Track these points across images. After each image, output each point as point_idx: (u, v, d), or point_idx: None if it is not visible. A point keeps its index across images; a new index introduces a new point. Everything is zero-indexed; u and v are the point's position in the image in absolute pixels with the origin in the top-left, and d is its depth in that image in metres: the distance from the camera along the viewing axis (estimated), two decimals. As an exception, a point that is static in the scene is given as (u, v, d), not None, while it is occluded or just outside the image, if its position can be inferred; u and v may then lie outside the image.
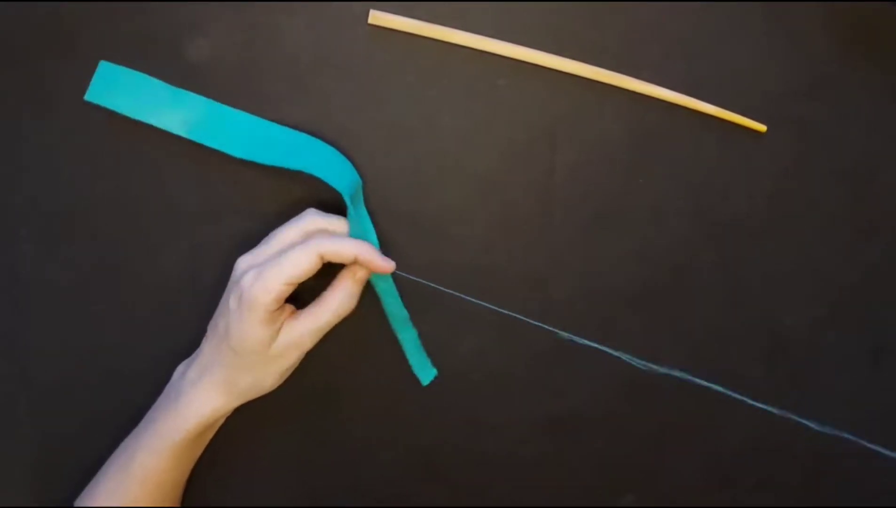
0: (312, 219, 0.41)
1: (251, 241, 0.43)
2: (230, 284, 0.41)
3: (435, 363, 0.46)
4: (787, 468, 0.48)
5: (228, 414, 0.43)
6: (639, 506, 0.48)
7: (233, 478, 0.47)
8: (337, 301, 0.40)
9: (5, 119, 0.44)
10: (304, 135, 0.43)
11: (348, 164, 0.43)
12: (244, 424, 0.46)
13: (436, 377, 0.46)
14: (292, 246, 0.39)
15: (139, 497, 0.41)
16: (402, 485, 0.48)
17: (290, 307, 0.41)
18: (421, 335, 0.46)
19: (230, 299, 0.39)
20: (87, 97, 0.43)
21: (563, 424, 0.47)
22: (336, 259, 0.39)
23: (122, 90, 0.43)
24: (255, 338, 0.39)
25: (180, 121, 0.43)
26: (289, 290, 0.38)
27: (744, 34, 0.45)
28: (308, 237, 0.40)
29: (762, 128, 0.45)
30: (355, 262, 0.39)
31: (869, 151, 0.47)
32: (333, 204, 0.43)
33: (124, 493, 0.41)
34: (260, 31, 0.44)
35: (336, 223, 0.41)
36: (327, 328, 0.41)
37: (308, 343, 0.40)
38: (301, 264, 0.38)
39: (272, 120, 0.44)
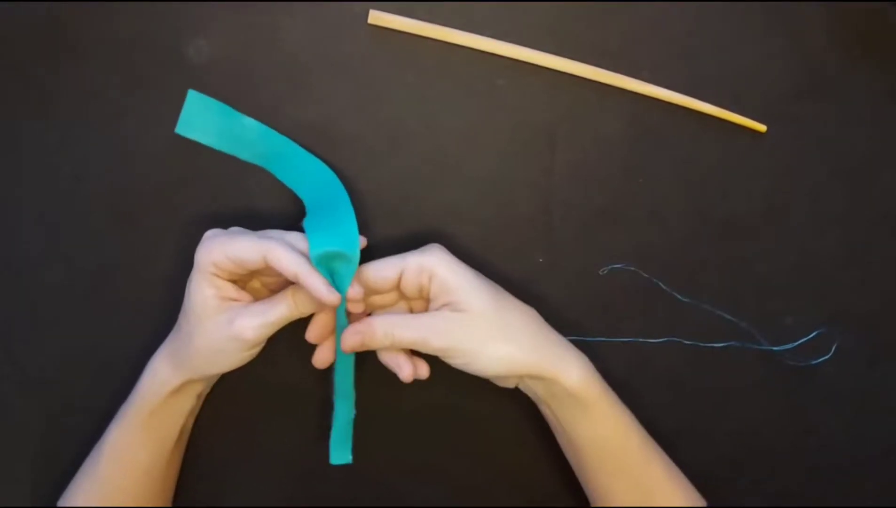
0: (274, 243, 0.38)
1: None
2: None
3: (435, 364, 0.46)
4: (787, 468, 0.48)
5: (181, 390, 0.41)
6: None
7: (230, 478, 0.47)
8: (284, 304, 0.39)
9: (5, 119, 0.44)
10: (342, 190, 0.43)
11: (354, 233, 0.41)
12: (242, 424, 0.46)
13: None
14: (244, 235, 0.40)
15: (110, 476, 0.42)
16: (400, 485, 0.48)
17: (245, 294, 0.40)
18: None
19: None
20: (177, 130, 0.43)
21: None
22: (277, 268, 0.38)
23: (208, 121, 0.43)
24: (195, 297, 0.39)
25: (258, 155, 0.44)
26: (231, 266, 0.38)
27: (744, 34, 0.45)
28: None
29: (762, 128, 0.45)
30: (297, 280, 0.38)
31: (869, 151, 0.47)
32: (333, 204, 0.43)
33: (96, 471, 0.42)
34: (260, 31, 0.44)
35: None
36: (272, 327, 0.39)
37: (251, 335, 0.38)
38: (245, 250, 0.38)
39: (274, 121, 0.44)
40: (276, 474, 0.47)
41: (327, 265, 0.39)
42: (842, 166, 0.47)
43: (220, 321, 0.39)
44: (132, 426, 0.42)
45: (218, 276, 0.39)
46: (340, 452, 0.43)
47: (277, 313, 0.39)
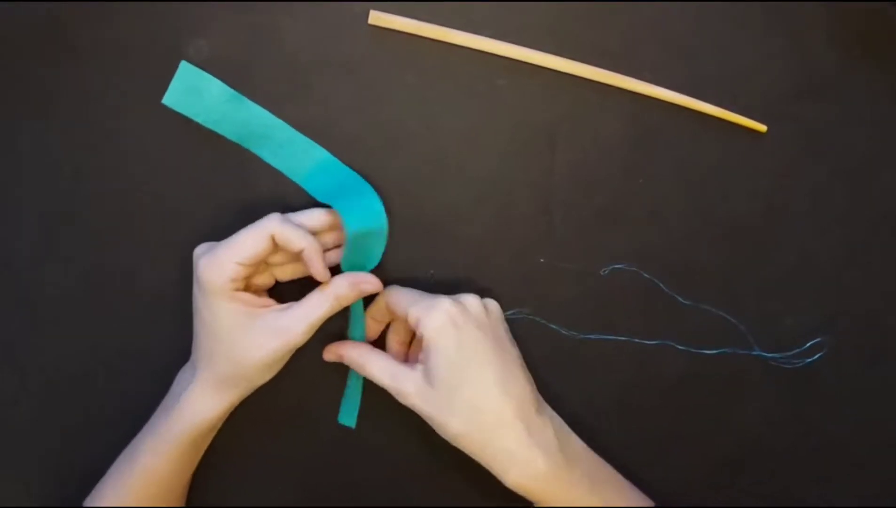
0: (272, 218, 0.40)
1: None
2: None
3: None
4: (787, 468, 0.48)
5: (226, 413, 0.42)
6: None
7: (233, 479, 0.47)
8: (326, 302, 0.40)
9: (5, 119, 0.44)
10: (347, 170, 0.44)
11: (380, 206, 0.43)
12: (243, 423, 0.46)
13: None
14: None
15: (142, 496, 0.41)
16: (400, 485, 0.48)
17: (269, 299, 0.41)
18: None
19: (194, 287, 0.40)
20: (164, 101, 0.43)
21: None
22: (285, 245, 0.39)
23: (196, 93, 0.43)
24: (221, 319, 0.39)
25: (246, 134, 0.43)
26: (243, 270, 0.39)
27: (744, 34, 0.45)
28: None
29: (762, 128, 0.45)
30: (302, 256, 0.39)
31: (869, 151, 0.47)
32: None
33: (128, 492, 0.41)
34: (260, 31, 0.44)
35: (300, 217, 0.42)
36: (317, 327, 0.40)
37: (301, 339, 0.40)
38: (251, 243, 0.39)
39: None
40: (276, 475, 0.47)
41: (361, 243, 0.42)
42: (842, 166, 0.47)
43: (263, 334, 0.39)
44: (168, 453, 0.41)
45: (238, 289, 0.39)
46: (349, 415, 0.46)
47: (323, 311, 0.40)
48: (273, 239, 0.39)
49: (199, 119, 0.43)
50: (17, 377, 0.46)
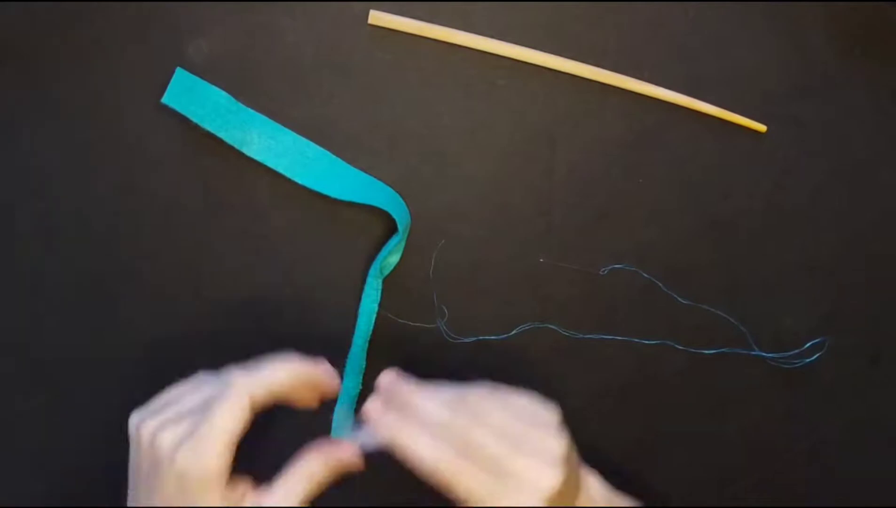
0: (237, 383, 0.32)
1: (251, 241, 0.44)
2: (140, 456, 0.32)
3: (435, 363, 0.46)
4: (787, 468, 0.48)
5: None
6: (637, 506, 0.48)
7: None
8: (304, 481, 0.33)
9: (5, 119, 0.44)
10: (357, 172, 0.44)
11: (402, 201, 0.44)
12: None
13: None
14: (206, 400, 0.32)
15: None
16: (400, 485, 0.48)
17: (246, 480, 0.34)
18: (422, 336, 0.46)
19: (164, 483, 0.31)
20: (164, 101, 0.42)
21: (563, 424, 0.47)
22: (273, 395, 0.33)
23: (193, 99, 0.42)
24: (213, 463, 0.31)
25: (242, 140, 0.43)
26: (231, 453, 0.32)
27: (744, 34, 0.45)
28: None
29: (762, 128, 0.46)
30: (293, 388, 0.33)
31: (869, 151, 0.47)
32: (330, 203, 0.43)
33: None
34: (260, 31, 0.44)
35: (263, 374, 0.33)
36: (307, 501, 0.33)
37: None
38: (235, 416, 0.31)
39: (274, 120, 0.44)
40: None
41: (400, 240, 0.43)
42: (842, 166, 0.47)
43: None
44: None
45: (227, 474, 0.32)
46: (343, 427, 0.44)
47: (304, 491, 0.33)
48: (253, 403, 0.32)
49: (198, 122, 0.43)
50: (16, 377, 0.46)
